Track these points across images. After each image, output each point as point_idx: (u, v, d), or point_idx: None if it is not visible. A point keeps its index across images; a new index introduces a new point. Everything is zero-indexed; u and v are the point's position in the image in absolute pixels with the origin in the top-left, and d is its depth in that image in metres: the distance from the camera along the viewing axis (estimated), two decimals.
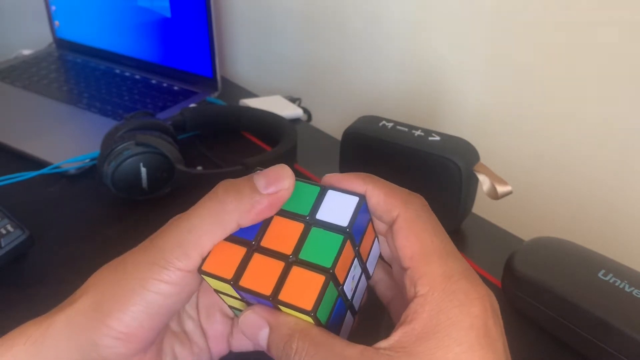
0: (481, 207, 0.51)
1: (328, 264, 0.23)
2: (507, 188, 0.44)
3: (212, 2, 0.73)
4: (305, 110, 0.72)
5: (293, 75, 0.87)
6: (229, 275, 0.24)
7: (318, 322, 0.23)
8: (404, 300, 0.27)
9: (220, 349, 0.30)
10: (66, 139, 0.64)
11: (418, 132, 0.47)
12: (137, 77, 0.81)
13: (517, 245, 0.43)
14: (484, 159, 0.46)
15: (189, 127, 0.63)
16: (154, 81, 0.80)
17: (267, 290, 0.23)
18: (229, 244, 0.25)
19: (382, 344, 0.22)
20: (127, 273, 0.24)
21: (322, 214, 0.25)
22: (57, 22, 0.90)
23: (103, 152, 0.52)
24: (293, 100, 0.74)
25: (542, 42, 0.58)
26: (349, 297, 0.26)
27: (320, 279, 0.23)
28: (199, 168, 0.53)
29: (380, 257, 0.30)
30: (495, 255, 0.44)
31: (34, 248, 0.46)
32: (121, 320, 0.23)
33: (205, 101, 0.75)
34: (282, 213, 0.25)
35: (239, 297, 0.25)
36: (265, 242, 0.25)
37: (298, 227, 0.25)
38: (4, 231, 0.44)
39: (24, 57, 0.87)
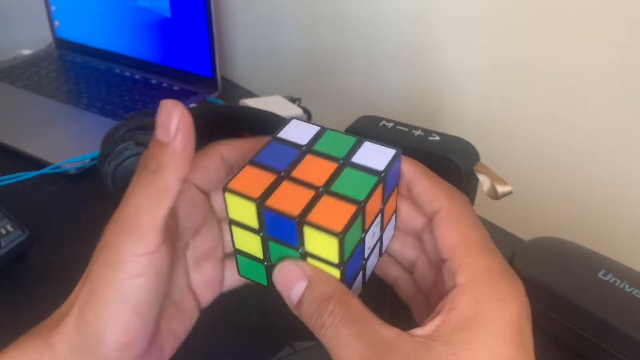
0: (481, 207, 0.50)
1: (361, 197, 0.23)
2: (508, 188, 0.44)
3: (212, 2, 0.73)
4: (305, 110, 0.72)
5: (293, 76, 0.87)
6: (256, 194, 0.23)
7: (341, 255, 0.22)
8: (427, 297, 0.27)
9: (212, 295, 0.29)
10: (66, 139, 0.64)
11: (418, 132, 0.47)
12: (137, 77, 0.81)
13: (517, 245, 0.43)
14: (484, 159, 0.46)
15: None
16: (154, 81, 0.80)
17: (295, 212, 0.22)
18: (256, 169, 0.24)
19: (418, 331, 0.22)
20: (98, 282, 0.23)
21: (357, 158, 0.25)
22: (57, 22, 0.90)
23: (103, 152, 0.52)
24: (293, 100, 0.74)
25: (542, 42, 0.58)
26: (366, 255, 0.25)
27: (351, 208, 0.22)
28: None
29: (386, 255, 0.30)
30: None
31: (34, 248, 0.46)
32: (117, 332, 0.23)
33: (205, 101, 0.75)
34: (316, 153, 0.25)
35: (256, 227, 0.24)
36: (296, 174, 0.24)
37: (331, 166, 0.24)
38: (4, 231, 0.44)
39: (24, 57, 0.87)
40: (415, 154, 0.47)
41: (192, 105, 0.72)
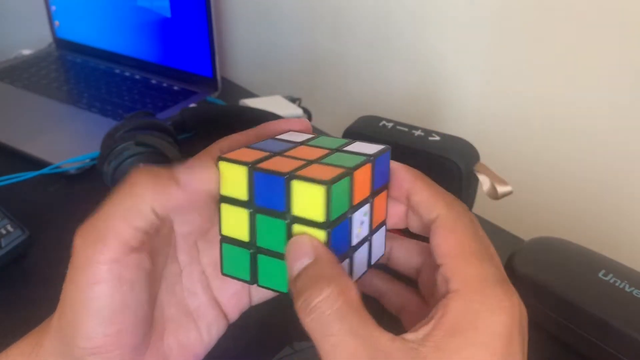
0: (481, 207, 0.51)
1: (350, 165, 0.23)
2: (508, 188, 0.44)
3: (212, 2, 0.73)
4: (305, 110, 0.72)
5: (293, 75, 0.87)
6: (249, 159, 0.23)
7: (328, 211, 0.22)
8: (428, 304, 0.27)
9: (240, 306, 0.29)
10: (66, 139, 0.64)
11: (418, 132, 0.47)
12: (137, 77, 0.81)
13: (517, 245, 0.43)
14: (484, 159, 0.46)
15: (189, 127, 0.63)
16: (154, 81, 0.80)
17: (285, 170, 0.23)
18: (251, 149, 0.25)
19: (409, 336, 0.21)
20: (70, 283, 0.23)
21: (349, 148, 0.26)
22: (57, 22, 0.90)
23: (103, 152, 0.52)
24: (293, 100, 0.74)
25: (542, 42, 0.58)
26: (353, 241, 0.25)
27: (339, 170, 0.23)
28: None
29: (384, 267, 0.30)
30: None
31: (34, 248, 0.46)
32: (86, 336, 0.22)
33: (205, 101, 0.75)
34: (308, 143, 0.26)
35: (245, 198, 0.24)
36: (289, 153, 0.25)
37: (323, 151, 0.25)
38: (4, 231, 0.44)
39: (24, 57, 0.87)
40: (415, 154, 0.47)
41: (192, 105, 0.72)
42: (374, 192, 0.26)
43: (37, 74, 0.81)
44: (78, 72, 0.83)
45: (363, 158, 0.24)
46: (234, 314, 0.29)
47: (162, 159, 0.52)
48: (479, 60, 0.64)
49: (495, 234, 0.50)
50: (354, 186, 0.23)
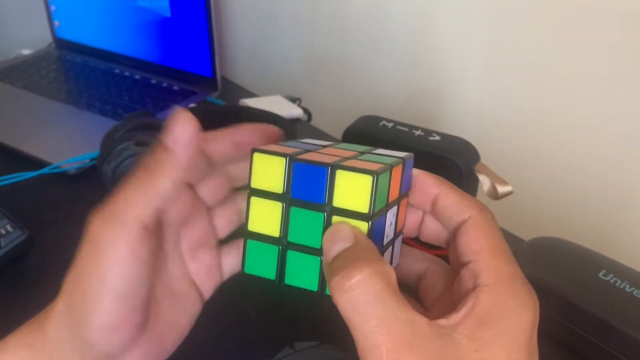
0: None
1: (387, 162, 0.23)
2: (508, 188, 0.44)
3: (212, 2, 0.73)
4: (305, 110, 0.72)
5: (293, 75, 0.87)
6: (287, 152, 0.23)
7: (373, 202, 0.22)
8: (433, 305, 0.27)
9: (213, 283, 0.29)
10: (66, 139, 0.64)
11: (418, 132, 0.47)
12: (137, 77, 0.81)
13: (517, 245, 0.43)
14: (484, 159, 0.46)
15: None
16: (153, 81, 0.80)
17: (329, 160, 0.23)
18: (280, 146, 0.25)
19: (442, 322, 0.21)
20: (82, 267, 0.24)
21: (376, 152, 0.26)
22: (57, 22, 0.90)
23: (103, 152, 0.52)
24: (293, 100, 0.74)
25: (542, 42, 0.58)
26: (384, 240, 0.25)
27: (380, 165, 0.23)
28: None
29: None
30: None
31: (34, 248, 0.46)
32: (101, 313, 0.23)
33: (205, 101, 0.75)
34: (334, 146, 0.26)
35: (280, 191, 0.24)
36: (322, 151, 0.25)
37: (352, 152, 0.25)
38: (3, 231, 0.44)
39: (24, 57, 0.87)
40: (415, 153, 0.47)
41: (192, 105, 0.72)
42: (401, 195, 0.26)
43: (37, 74, 0.81)
44: (78, 72, 0.83)
45: (395, 159, 0.24)
46: (208, 293, 0.29)
47: None
48: (479, 61, 0.64)
49: None
50: (391, 183, 0.23)
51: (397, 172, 0.24)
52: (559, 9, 0.55)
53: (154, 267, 0.25)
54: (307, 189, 0.23)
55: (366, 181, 0.22)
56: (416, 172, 0.27)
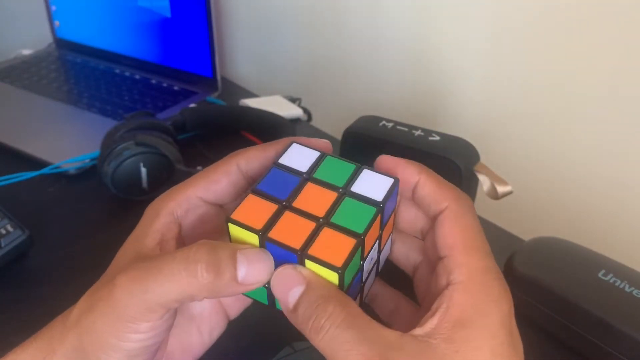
0: (481, 207, 0.50)
1: (360, 230, 0.23)
2: (508, 188, 0.44)
3: (212, 2, 0.73)
4: (305, 110, 0.72)
5: (293, 75, 0.87)
6: (259, 226, 0.23)
7: (341, 287, 0.23)
8: (422, 301, 0.27)
9: (241, 306, 0.30)
10: (66, 139, 0.64)
11: (418, 132, 0.47)
12: (137, 77, 0.81)
13: (517, 245, 0.43)
14: (484, 159, 0.46)
15: (189, 127, 0.63)
16: (154, 81, 0.80)
17: (297, 244, 0.23)
18: (259, 198, 0.24)
19: (417, 331, 0.22)
20: (103, 316, 0.23)
21: (357, 188, 0.25)
22: (57, 22, 0.90)
23: (103, 152, 0.52)
24: (293, 100, 0.74)
25: (542, 42, 0.58)
26: (364, 279, 0.26)
27: (351, 241, 0.23)
28: (199, 168, 0.53)
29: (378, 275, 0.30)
30: (495, 255, 0.44)
31: (34, 248, 0.46)
32: None
33: (205, 101, 0.75)
34: (316, 181, 0.25)
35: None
36: (298, 204, 0.24)
37: (331, 195, 0.25)
38: (4, 231, 0.44)
39: (24, 57, 0.87)
40: (415, 154, 0.47)
41: (192, 105, 0.72)
42: (383, 227, 0.26)
43: (37, 74, 0.81)
44: (78, 72, 0.83)
45: (373, 211, 0.24)
46: (236, 313, 0.30)
47: (162, 159, 0.52)
48: (479, 60, 0.64)
49: (495, 234, 0.50)
50: (365, 247, 0.24)
51: (374, 229, 0.24)
52: (559, 8, 0.55)
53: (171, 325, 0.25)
54: (282, 261, 0.24)
55: (333, 275, 0.22)
56: (395, 160, 0.27)
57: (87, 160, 0.57)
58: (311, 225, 0.23)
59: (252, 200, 0.24)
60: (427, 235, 0.27)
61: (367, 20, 0.73)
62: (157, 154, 0.51)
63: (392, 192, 0.25)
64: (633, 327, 0.35)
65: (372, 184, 0.25)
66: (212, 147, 0.62)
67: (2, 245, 0.43)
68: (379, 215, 0.24)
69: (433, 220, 0.26)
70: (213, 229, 0.28)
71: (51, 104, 0.73)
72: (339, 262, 0.22)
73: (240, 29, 0.91)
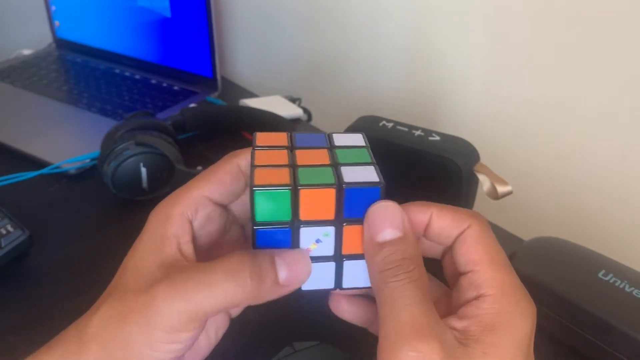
0: (481, 207, 0.50)
1: (301, 182, 0.25)
2: (508, 188, 0.44)
3: (212, 2, 0.73)
4: (305, 110, 0.72)
5: (293, 76, 0.87)
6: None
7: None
8: None
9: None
10: (66, 139, 0.64)
11: (418, 132, 0.47)
12: (137, 77, 0.81)
13: (517, 245, 0.43)
14: (484, 159, 0.46)
15: (189, 127, 0.63)
16: (153, 81, 0.80)
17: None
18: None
19: (454, 323, 0.23)
20: (135, 325, 0.24)
21: (347, 171, 0.26)
22: (57, 22, 0.90)
23: (103, 152, 0.52)
24: (293, 100, 0.74)
25: (542, 42, 0.58)
26: (300, 244, 0.26)
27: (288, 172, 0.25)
28: (199, 168, 0.53)
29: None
30: None
31: (34, 248, 0.46)
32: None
33: (205, 101, 0.75)
34: (334, 148, 0.28)
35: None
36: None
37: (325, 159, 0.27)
38: (4, 231, 0.44)
39: (24, 57, 0.87)
40: (415, 154, 0.47)
41: (192, 105, 0.72)
42: (342, 220, 0.26)
43: (37, 74, 0.81)
44: (78, 72, 0.83)
45: (332, 181, 0.25)
46: (237, 310, 0.30)
47: (162, 159, 0.52)
48: (479, 60, 0.64)
49: (495, 234, 0.50)
50: (299, 202, 0.25)
51: (324, 198, 0.25)
52: (559, 8, 0.55)
53: None
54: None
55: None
56: (403, 207, 0.26)
57: (87, 160, 0.57)
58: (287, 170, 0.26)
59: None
60: (445, 257, 0.28)
61: (367, 20, 0.73)
62: (157, 154, 0.51)
63: (372, 194, 0.26)
64: (633, 327, 0.35)
65: (359, 172, 0.26)
66: (212, 147, 0.62)
67: (2, 245, 0.43)
68: (334, 194, 0.25)
69: (453, 241, 0.27)
70: (219, 229, 0.28)
71: (51, 104, 0.73)
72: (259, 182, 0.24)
73: (240, 29, 0.91)
